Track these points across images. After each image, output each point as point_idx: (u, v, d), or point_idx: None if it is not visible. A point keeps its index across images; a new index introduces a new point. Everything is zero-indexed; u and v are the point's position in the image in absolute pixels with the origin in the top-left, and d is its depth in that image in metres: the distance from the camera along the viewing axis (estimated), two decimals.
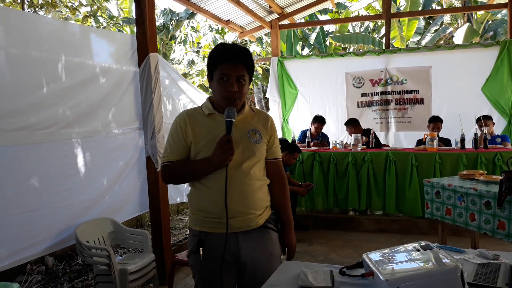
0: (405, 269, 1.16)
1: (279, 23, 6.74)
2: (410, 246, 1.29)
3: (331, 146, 5.44)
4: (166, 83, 3.86)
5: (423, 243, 1.27)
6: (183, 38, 13.83)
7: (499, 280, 1.32)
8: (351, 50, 11.52)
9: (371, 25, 12.97)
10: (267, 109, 9.93)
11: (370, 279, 1.23)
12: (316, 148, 5.24)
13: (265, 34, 10.76)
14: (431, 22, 11.65)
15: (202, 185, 1.59)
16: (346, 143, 5.28)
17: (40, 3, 5.98)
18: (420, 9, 9.79)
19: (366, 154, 4.73)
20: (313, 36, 11.53)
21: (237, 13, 6.00)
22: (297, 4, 6.60)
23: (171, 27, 13.43)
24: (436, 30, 11.48)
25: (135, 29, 3.38)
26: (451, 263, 1.11)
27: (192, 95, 4.36)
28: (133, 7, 5.23)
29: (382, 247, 1.44)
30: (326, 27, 12.24)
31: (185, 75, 13.21)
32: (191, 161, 1.61)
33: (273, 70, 6.62)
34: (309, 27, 11.74)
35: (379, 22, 12.26)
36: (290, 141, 5.25)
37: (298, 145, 5.07)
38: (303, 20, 8.78)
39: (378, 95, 6.17)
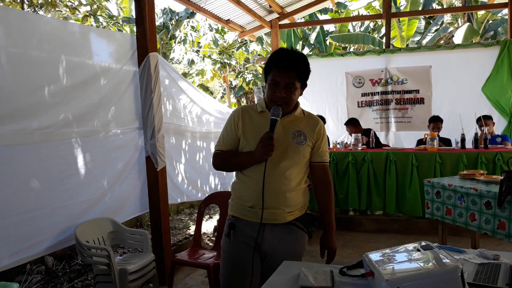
0: (405, 269, 1.16)
1: (279, 23, 6.73)
2: (410, 246, 1.29)
3: (331, 146, 5.44)
4: (166, 83, 3.86)
5: (423, 243, 1.27)
6: (183, 38, 13.84)
7: (499, 280, 1.32)
8: (351, 49, 11.52)
9: (371, 24, 12.97)
10: None
11: (370, 279, 1.23)
12: None
13: (265, 34, 10.77)
14: (431, 21, 11.65)
15: (244, 176, 1.72)
16: (346, 143, 5.27)
17: (39, 2, 5.98)
18: (420, 8, 9.78)
19: (366, 154, 4.73)
20: (313, 36, 11.53)
21: (237, 13, 5.99)
22: (297, 3, 6.59)
23: (171, 26, 13.43)
24: (436, 30, 11.47)
25: (135, 29, 3.37)
26: (451, 263, 1.11)
27: (192, 94, 4.36)
28: (132, 7, 5.22)
29: (382, 247, 1.44)
30: (326, 27, 12.25)
31: (185, 74, 13.20)
32: (237, 153, 1.74)
33: None
34: (309, 27, 11.74)
35: (379, 21, 12.26)
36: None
37: None
38: (303, 20, 8.78)
39: (378, 94, 6.17)
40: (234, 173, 1.84)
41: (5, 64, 2.35)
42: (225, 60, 14.12)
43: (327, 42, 11.28)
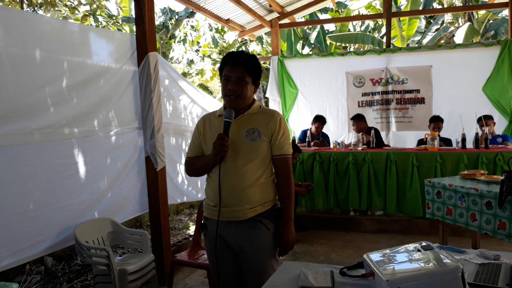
0: (405, 269, 1.16)
1: (279, 22, 6.73)
2: (411, 246, 1.29)
3: (331, 146, 5.43)
4: (166, 82, 3.86)
5: (424, 243, 1.27)
6: (182, 37, 13.83)
7: (500, 280, 1.31)
8: (351, 49, 11.51)
9: (372, 24, 12.97)
10: None
11: (371, 279, 1.22)
12: (316, 148, 5.23)
13: (265, 33, 10.76)
14: (431, 21, 11.64)
15: (209, 177, 1.86)
16: (344, 142, 5.26)
17: (39, 2, 5.98)
18: (420, 8, 9.78)
19: (367, 154, 4.72)
20: (313, 35, 11.52)
21: (237, 12, 5.99)
22: (297, 3, 6.58)
23: (170, 26, 13.43)
24: (437, 30, 11.47)
25: (134, 28, 3.37)
26: (452, 264, 1.10)
27: (192, 94, 4.35)
28: (132, 6, 5.21)
29: (382, 247, 1.43)
30: (327, 26, 12.23)
31: (184, 74, 13.21)
32: (199, 157, 1.88)
33: (273, 70, 6.61)
34: (310, 26, 11.73)
35: (379, 21, 12.26)
36: (290, 141, 5.23)
37: (298, 145, 5.07)
38: (303, 19, 8.78)
39: (378, 94, 6.16)
40: None
41: (5, 64, 2.34)
42: None
43: (327, 42, 11.27)
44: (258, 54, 13.24)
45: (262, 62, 10.76)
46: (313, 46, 11.70)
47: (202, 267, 2.76)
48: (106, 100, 3.05)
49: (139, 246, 3.02)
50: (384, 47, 6.23)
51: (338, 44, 11.13)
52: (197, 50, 14.46)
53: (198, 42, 14.43)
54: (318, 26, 11.25)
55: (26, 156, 2.47)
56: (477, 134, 4.51)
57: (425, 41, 11.13)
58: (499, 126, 5.40)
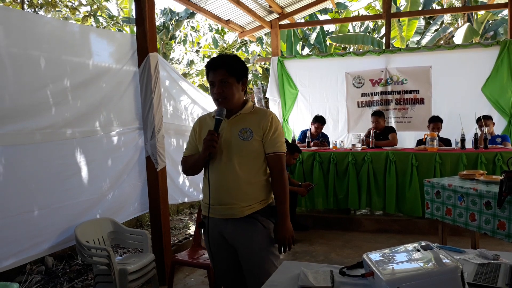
0: (405, 269, 1.16)
1: (279, 23, 6.73)
2: (410, 246, 1.29)
3: (331, 146, 5.43)
4: (166, 83, 3.86)
5: (423, 243, 1.27)
6: (183, 38, 13.83)
7: (499, 280, 1.32)
8: (351, 50, 11.52)
9: (371, 25, 12.97)
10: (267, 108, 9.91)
11: (370, 279, 1.23)
12: (316, 148, 5.23)
13: (265, 34, 10.76)
14: (431, 22, 11.64)
15: (204, 176, 1.89)
16: (342, 142, 5.26)
17: (40, 2, 5.98)
18: (420, 9, 9.78)
19: (366, 154, 4.73)
20: (313, 36, 11.52)
21: (237, 13, 5.99)
22: (297, 4, 6.59)
23: (171, 26, 13.42)
24: (436, 30, 11.47)
25: (135, 29, 3.37)
26: (451, 263, 1.11)
27: (193, 94, 4.36)
28: (133, 7, 5.21)
29: (382, 247, 1.44)
30: (326, 27, 12.23)
31: (184, 75, 13.20)
32: (192, 155, 1.93)
33: (273, 70, 6.62)
34: (309, 27, 11.73)
35: (379, 22, 12.26)
36: (290, 141, 5.24)
37: (298, 145, 5.07)
38: (303, 20, 8.77)
39: (378, 95, 6.17)
40: None
41: (5, 64, 2.35)
42: None
43: (327, 42, 11.27)
44: (258, 55, 13.25)
45: (262, 62, 10.78)
46: (313, 46, 11.70)
47: (202, 266, 2.77)
48: (106, 101, 3.05)
49: (140, 246, 3.03)
50: (384, 47, 6.24)
51: (337, 44, 11.13)
52: (197, 51, 14.46)
53: (198, 43, 14.43)
54: (318, 27, 11.25)
55: (27, 157, 2.48)
56: (476, 134, 4.52)
57: (424, 42, 11.13)
58: (498, 126, 5.40)
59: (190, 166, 1.94)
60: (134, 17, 3.35)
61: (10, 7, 5.49)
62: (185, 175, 4.16)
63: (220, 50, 14.21)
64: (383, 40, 8.32)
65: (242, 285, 1.90)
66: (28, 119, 2.47)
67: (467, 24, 10.07)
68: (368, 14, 11.11)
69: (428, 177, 3.64)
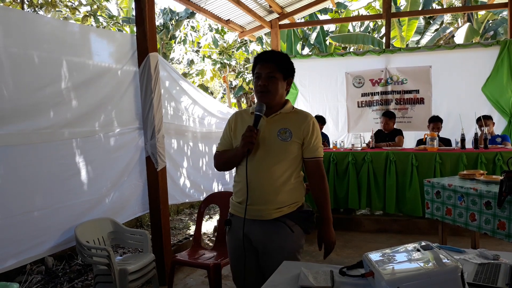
0: (405, 269, 1.16)
1: (279, 23, 6.73)
2: (410, 246, 1.29)
3: (331, 146, 5.43)
4: (166, 83, 3.86)
5: (423, 243, 1.27)
6: (183, 38, 13.83)
7: (499, 280, 1.32)
8: (351, 49, 11.52)
9: (371, 24, 12.97)
10: None
11: (370, 279, 1.23)
12: None
13: (265, 34, 10.76)
14: (431, 21, 11.64)
15: (237, 174, 1.86)
16: (342, 142, 5.25)
17: (39, 2, 5.98)
18: (420, 8, 9.78)
19: (366, 154, 4.73)
20: (313, 36, 11.52)
21: (237, 13, 5.99)
22: (297, 3, 6.59)
23: (171, 26, 13.42)
24: (436, 30, 11.47)
25: (135, 29, 3.37)
26: (451, 263, 1.11)
27: (193, 94, 4.36)
28: (133, 7, 5.21)
29: (382, 247, 1.44)
30: (326, 27, 12.23)
31: (184, 74, 13.19)
32: (227, 150, 1.89)
33: None
34: (309, 27, 11.73)
35: (379, 21, 12.26)
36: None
37: None
38: (303, 20, 8.77)
39: (378, 95, 6.17)
40: None
41: (5, 64, 2.35)
42: (225, 61, 14.11)
43: (327, 42, 11.27)
44: None
45: None
46: (312, 46, 11.70)
47: (202, 267, 2.77)
48: (106, 101, 3.05)
49: (140, 246, 3.03)
50: (384, 47, 6.24)
51: (337, 44, 11.13)
52: (197, 51, 14.45)
53: (198, 43, 14.43)
54: (318, 27, 11.25)
55: (27, 157, 2.47)
56: (476, 134, 4.52)
57: (424, 42, 11.13)
58: (498, 126, 5.40)
59: (224, 161, 1.90)
60: (134, 17, 3.34)
61: (10, 7, 5.49)
62: (187, 175, 4.18)
63: (220, 49, 14.21)
64: (383, 40, 8.32)
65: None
66: (28, 119, 2.47)
67: (468, 24, 10.06)
68: (368, 14, 11.11)
69: (428, 177, 3.64)
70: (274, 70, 1.77)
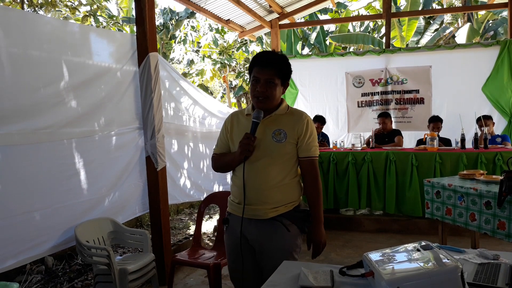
0: (405, 269, 1.16)
1: (279, 23, 6.73)
2: (410, 246, 1.29)
3: (331, 145, 5.43)
4: (166, 82, 3.86)
5: (423, 243, 1.27)
6: (183, 38, 13.83)
7: (499, 280, 1.32)
8: (351, 49, 11.51)
9: (371, 24, 12.97)
10: None
11: (370, 279, 1.23)
12: None
13: (265, 34, 10.76)
14: (431, 21, 11.64)
15: (233, 175, 1.88)
16: (342, 142, 5.25)
17: (39, 2, 5.98)
18: (420, 8, 9.78)
19: (366, 154, 4.72)
20: (313, 36, 11.52)
21: (237, 13, 5.99)
22: (297, 3, 6.59)
23: (171, 26, 13.42)
24: (436, 30, 11.47)
25: (135, 29, 3.37)
26: (451, 263, 1.11)
27: (193, 94, 4.36)
28: (132, 6, 5.21)
29: (382, 247, 1.44)
30: (326, 27, 12.24)
31: (184, 74, 13.19)
32: (224, 154, 1.90)
33: None
34: (309, 27, 11.74)
35: (379, 21, 12.26)
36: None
37: None
38: (303, 20, 8.77)
39: (378, 94, 6.17)
40: None
41: (5, 64, 2.34)
42: (225, 61, 14.12)
43: (327, 42, 11.27)
44: None
45: None
46: (312, 46, 11.70)
47: (202, 266, 2.77)
48: (106, 101, 3.05)
49: (140, 246, 3.03)
50: (384, 47, 6.24)
51: (337, 44, 11.13)
52: (197, 51, 14.45)
53: (198, 43, 14.43)
54: (318, 27, 11.25)
55: (27, 157, 2.47)
56: (476, 134, 4.52)
57: (424, 42, 11.13)
58: (499, 126, 5.40)
59: (222, 165, 1.91)
60: (134, 16, 3.34)
61: (10, 7, 5.49)
62: (189, 176, 4.18)
63: (220, 49, 14.21)
64: (383, 40, 8.32)
65: (255, 286, 1.86)
66: (28, 119, 2.47)
67: (468, 24, 10.07)
68: (368, 14, 11.11)
69: (428, 177, 3.64)
70: (273, 76, 1.73)
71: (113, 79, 3.11)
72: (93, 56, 2.97)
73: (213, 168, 1.97)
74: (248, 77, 14.28)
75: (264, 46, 13.09)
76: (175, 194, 3.84)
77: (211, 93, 15.91)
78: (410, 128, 6.00)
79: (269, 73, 1.73)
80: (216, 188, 4.81)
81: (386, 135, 5.27)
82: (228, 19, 6.19)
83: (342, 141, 5.28)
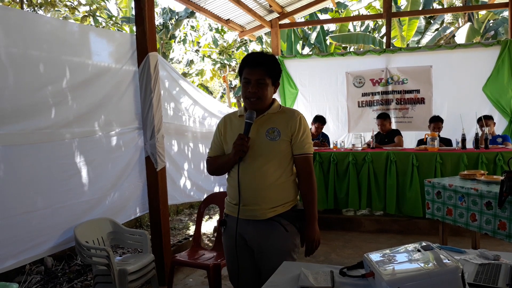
0: (405, 269, 1.16)
1: (279, 22, 6.73)
2: (411, 246, 1.29)
3: (331, 146, 5.43)
4: (166, 82, 3.85)
5: (423, 244, 1.27)
6: (182, 38, 13.83)
7: (500, 280, 1.31)
8: (351, 49, 11.51)
9: (372, 24, 12.97)
10: None
11: (371, 279, 1.23)
12: (316, 148, 5.22)
13: (265, 34, 10.76)
14: (431, 21, 11.64)
15: (229, 176, 1.88)
16: (342, 142, 5.24)
17: (39, 2, 5.98)
18: (420, 8, 9.78)
19: (367, 154, 4.72)
20: (313, 36, 11.52)
21: (237, 12, 5.99)
22: (297, 3, 6.59)
23: (170, 26, 13.42)
24: (436, 30, 11.47)
25: (134, 29, 3.37)
26: (451, 264, 1.10)
27: (193, 94, 4.35)
28: (132, 6, 5.21)
29: (382, 247, 1.43)
30: (327, 27, 12.23)
31: (184, 74, 13.20)
32: (219, 156, 1.91)
33: None
34: (310, 27, 11.74)
35: (379, 21, 12.26)
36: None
37: None
38: (303, 19, 8.77)
39: (378, 94, 6.16)
40: None
41: (5, 64, 2.34)
42: (225, 61, 14.12)
43: (327, 42, 11.27)
44: None
45: None
46: (313, 46, 11.70)
47: (202, 267, 2.76)
48: (106, 100, 3.04)
49: (139, 246, 3.02)
50: (384, 47, 6.23)
51: (338, 44, 11.13)
52: (197, 50, 14.45)
53: (198, 42, 14.43)
54: (318, 27, 11.25)
55: (27, 157, 2.47)
56: (477, 134, 4.51)
57: (425, 41, 11.13)
58: (499, 126, 5.40)
59: (217, 168, 1.92)
60: (133, 16, 3.34)
61: (9, 6, 5.49)
62: (189, 176, 4.17)
63: (220, 49, 14.20)
64: (384, 40, 8.32)
65: (254, 287, 1.87)
66: (28, 119, 2.46)
67: (468, 23, 10.06)
68: (368, 14, 11.11)
69: (429, 177, 3.63)
70: (263, 76, 1.75)
71: (113, 79, 3.11)
72: (92, 56, 2.97)
73: (208, 172, 1.97)
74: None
75: (264, 46, 13.10)
76: (175, 195, 3.84)
77: (211, 93, 15.92)
78: (411, 128, 6.00)
79: (259, 74, 1.74)
80: (217, 189, 4.81)
81: (385, 136, 5.27)
82: (228, 19, 6.19)
83: (342, 141, 5.28)
